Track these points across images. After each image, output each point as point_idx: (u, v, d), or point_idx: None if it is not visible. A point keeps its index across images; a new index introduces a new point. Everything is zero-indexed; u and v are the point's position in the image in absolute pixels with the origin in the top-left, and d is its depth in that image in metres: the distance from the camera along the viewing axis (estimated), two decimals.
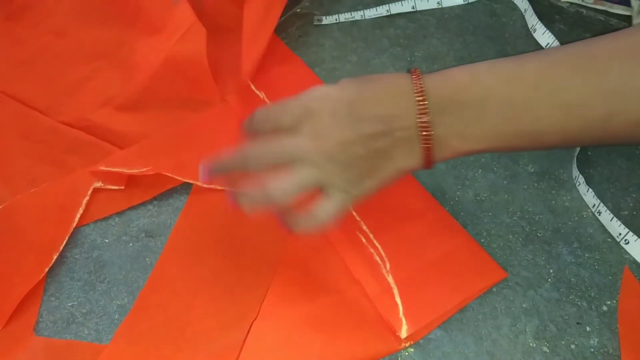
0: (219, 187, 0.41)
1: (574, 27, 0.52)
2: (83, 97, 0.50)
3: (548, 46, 0.50)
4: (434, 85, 0.32)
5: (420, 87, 0.32)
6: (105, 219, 0.41)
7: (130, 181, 0.42)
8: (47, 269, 0.38)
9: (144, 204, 0.42)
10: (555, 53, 0.30)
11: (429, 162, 0.32)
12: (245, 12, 0.41)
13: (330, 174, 0.32)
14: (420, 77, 0.32)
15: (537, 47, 0.50)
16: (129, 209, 0.42)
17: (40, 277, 0.38)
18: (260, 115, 0.34)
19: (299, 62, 0.51)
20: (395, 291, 0.36)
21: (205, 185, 0.41)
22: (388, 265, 0.37)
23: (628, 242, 0.37)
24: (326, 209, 0.32)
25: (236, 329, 0.35)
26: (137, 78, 0.49)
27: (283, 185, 0.32)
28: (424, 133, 0.31)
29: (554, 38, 0.49)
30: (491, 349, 0.33)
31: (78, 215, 0.40)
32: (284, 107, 0.33)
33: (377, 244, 0.38)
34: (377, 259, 0.37)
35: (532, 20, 0.52)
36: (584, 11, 0.54)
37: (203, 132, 0.45)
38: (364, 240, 0.39)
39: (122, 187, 0.42)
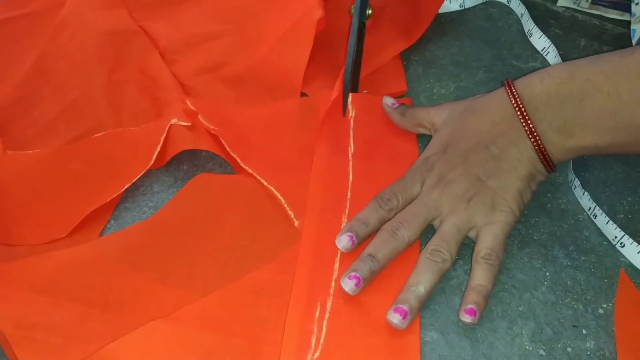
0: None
1: (570, 32, 0.52)
2: (198, 54, 0.51)
3: (544, 50, 0.50)
4: (528, 85, 0.35)
5: (512, 90, 0.35)
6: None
7: (198, 126, 0.43)
8: (115, 195, 0.41)
9: (140, 206, 0.42)
10: None
11: (546, 159, 0.35)
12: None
13: (468, 211, 0.34)
14: (511, 83, 0.35)
15: (534, 51, 0.51)
16: (126, 211, 0.42)
17: (107, 201, 0.40)
18: (386, 195, 0.36)
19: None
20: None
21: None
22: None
23: (624, 245, 0.37)
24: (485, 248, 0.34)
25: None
26: (250, 55, 0.49)
27: (441, 255, 0.33)
28: (526, 129, 0.34)
29: (550, 42, 0.50)
30: (487, 352, 0.33)
31: (156, 152, 0.42)
32: (406, 179, 0.37)
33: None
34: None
35: (528, 24, 0.52)
36: (580, 16, 0.54)
37: (275, 123, 0.45)
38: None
39: (190, 124, 0.43)
